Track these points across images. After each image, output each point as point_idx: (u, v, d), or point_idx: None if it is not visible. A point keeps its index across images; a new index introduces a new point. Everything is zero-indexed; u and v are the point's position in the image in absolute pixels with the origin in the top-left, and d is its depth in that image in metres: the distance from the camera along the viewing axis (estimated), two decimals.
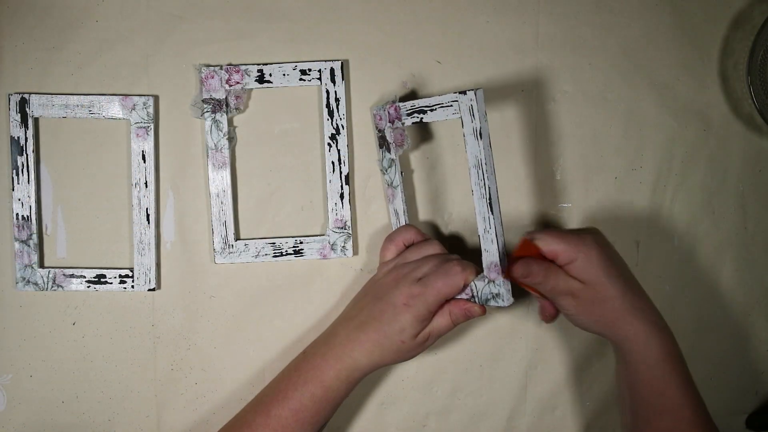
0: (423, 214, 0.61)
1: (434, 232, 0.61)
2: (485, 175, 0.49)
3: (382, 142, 0.58)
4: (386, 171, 0.58)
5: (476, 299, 0.51)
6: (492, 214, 0.50)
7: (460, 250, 0.61)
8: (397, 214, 0.58)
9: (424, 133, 0.60)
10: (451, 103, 0.51)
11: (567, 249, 0.49)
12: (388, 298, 0.51)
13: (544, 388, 0.62)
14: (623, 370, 0.52)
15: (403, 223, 0.58)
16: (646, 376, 0.50)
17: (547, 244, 0.49)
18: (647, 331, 0.49)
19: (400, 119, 0.56)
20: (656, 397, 0.49)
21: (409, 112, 0.55)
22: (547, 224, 0.61)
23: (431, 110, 0.53)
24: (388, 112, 0.56)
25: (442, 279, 0.50)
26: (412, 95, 0.59)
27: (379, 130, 0.58)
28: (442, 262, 0.52)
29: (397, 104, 0.56)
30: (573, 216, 0.61)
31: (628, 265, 0.52)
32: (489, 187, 0.49)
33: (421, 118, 0.54)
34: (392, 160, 0.57)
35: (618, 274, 0.50)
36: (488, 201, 0.50)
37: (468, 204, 0.61)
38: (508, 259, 0.51)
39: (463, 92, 0.50)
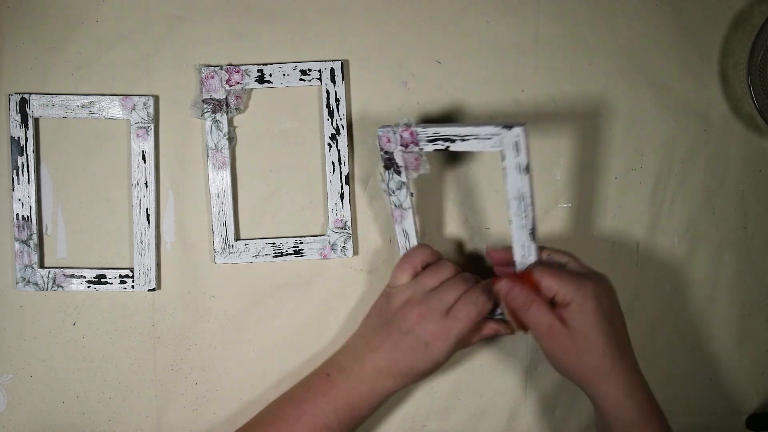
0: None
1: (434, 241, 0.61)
2: (528, 208, 0.49)
3: (390, 164, 0.54)
4: (393, 192, 0.55)
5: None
6: (534, 242, 0.50)
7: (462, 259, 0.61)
8: (406, 234, 0.56)
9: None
10: (491, 136, 0.49)
11: (564, 291, 0.48)
12: (416, 335, 0.51)
13: (544, 388, 0.62)
14: (599, 422, 0.52)
15: (414, 244, 0.56)
16: None
17: (544, 280, 0.49)
18: (622, 393, 0.49)
19: (417, 144, 0.52)
20: None
21: (431, 138, 0.52)
22: (550, 224, 0.61)
23: (462, 140, 0.50)
24: (401, 136, 0.52)
25: (471, 310, 0.50)
26: (425, 118, 0.59)
27: (386, 152, 0.54)
28: (464, 290, 0.52)
29: (413, 129, 0.52)
30: (573, 216, 0.61)
31: (624, 321, 0.52)
32: (532, 219, 0.49)
33: (448, 146, 0.51)
34: (402, 182, 0.54)
35: (607, 332, 0.48)
36: (530, 231, 0.50)
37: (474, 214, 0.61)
38: (503, 276, 0.51)
39: (508, 127, 0.48)
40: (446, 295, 0.51)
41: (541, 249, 0.52)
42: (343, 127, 0.58)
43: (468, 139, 0.50)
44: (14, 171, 0.57)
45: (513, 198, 0.49)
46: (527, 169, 0.48)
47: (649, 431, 0.49)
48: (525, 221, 0.50)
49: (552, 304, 0.49)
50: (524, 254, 0.51)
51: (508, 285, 0.49)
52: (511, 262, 0.52)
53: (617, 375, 0.49)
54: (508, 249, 0.52)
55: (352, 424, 0.52)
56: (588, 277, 0.50)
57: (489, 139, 0.49)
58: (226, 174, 0.58)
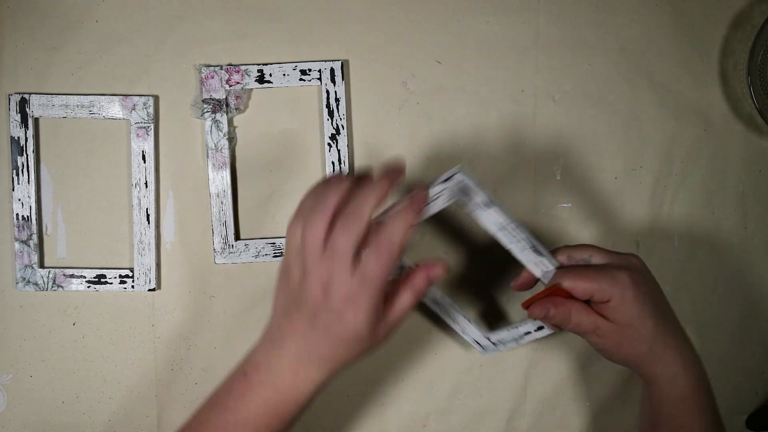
0: None
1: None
2: (517, 230, 0.48)
3: None
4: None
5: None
6: (543, 255, 0.49)
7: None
8: (437, 303, 0.52)
9: None
10: (438, 194, 0.46)
11: (600, 289, 0.46)
12: (327, 307, 0.42)
13: (544, 388, 0.62)
14: (647, 403, 0.51)
15: (456, 311, 0.52)
16: (671, 411, 0.49)
17: (577, 287, 0.47)
18: (675, 370, 0.48)
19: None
20: (678, 430, 0.49)
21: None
22: (550, 224, 0.61)
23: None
24: None
25: (383, 255, 0.41)
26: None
27: None
28: (365, 223, 0.41)
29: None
30: (573, 216, 0.61)
31: (663, 293, 0.50)
32: (528, 237, 0.48)
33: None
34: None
35: (653, 314, 0.47)
36: (533, 248, 0.48)
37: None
38: (531, 298, 0.49)
39: (447, 179, 0.45)
40: (344, 242, 0.41)
41: (558, 251, 0.50)
42: (343, 127, 0.58)
43: (428, 204, 0.47)
44: (14, 171, 0.57)
45: (497, 231, 0.48)
46: (490, 202, 0.46)
47: (699, 405, 0.48)
48: (523, 243, 0.48)
49: (588, 301, 0.48)
50: (542, 269, 0.49)
51: (542, 310, 0.47)
52: (536, 280, 0.51)
53: (671, 353, 0.48)
54: (526, 270, 0.51)
55: (283, 425, 0.45)
56: (618, 266, 0.48)
57: (440, 196, 0.46)
58: (226, 174, 0.58)
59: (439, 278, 0.45)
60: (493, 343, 0.55)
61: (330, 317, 0.42)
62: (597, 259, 0.50)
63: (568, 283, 0.47)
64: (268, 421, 0.44)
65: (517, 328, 0.54)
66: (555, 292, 0.48)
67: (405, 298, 0.44)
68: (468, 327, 0.54)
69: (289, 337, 0.44)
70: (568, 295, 0.47)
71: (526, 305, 0.49)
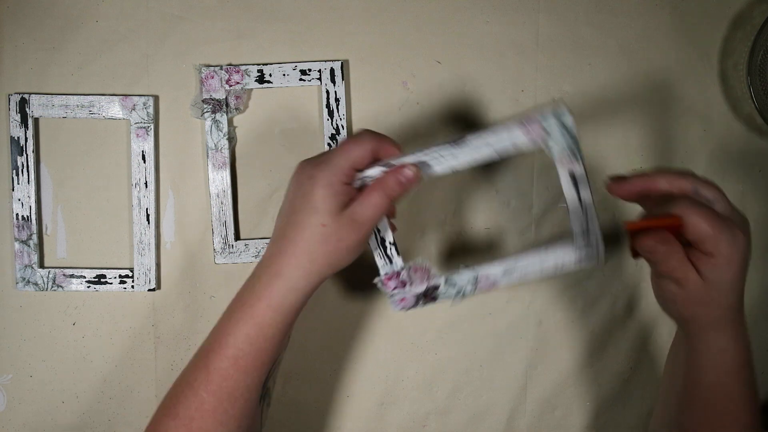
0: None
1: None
2: (429, 152, 0.46)
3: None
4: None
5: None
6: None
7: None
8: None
9: None
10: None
11: (715, 242, 0.42)
12: (294, 183, 0.47)
13: (544, 388, 0.62)
14: (691, 369, 0.48)
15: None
16: (717, 381, 0.46)
17: (699, 225, 0.42)
18: (730, 341, 0.46)
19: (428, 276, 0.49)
20: (721, 401, 0.47)
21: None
22: (550, 225, 0.61)
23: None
24: (412, 275, 0.50)
25: (350, 139, 0.46)
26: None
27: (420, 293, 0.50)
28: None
29: (424, 265, 0.49)
30: None
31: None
32: (435, 148, 0.47)
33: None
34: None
35: (742, 287, 0.45)
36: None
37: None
38: (641, 224, 0.44)
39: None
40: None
41: (681, 175, 0.46)
42: (343, 127, 0.58)
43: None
44: (14, 171, 0.57)
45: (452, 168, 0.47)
46: (417, 166, 0.46)
47: (743, 376, 0.46)
48: (444, 154, 0.46)
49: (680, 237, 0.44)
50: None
51: (655, 244, 0.43)
52: (643, 193, 0.46)
53: (734, 324, 0.46)
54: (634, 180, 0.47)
55: (262, 342, 0.45)
56: (738, 226, 0.44)
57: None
58: (226, 174, 0.58)
59: (410, 181, 0.46)
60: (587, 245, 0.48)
61: (296, 193, 0.46)
62: (720, 207, 0.45)
63: (692, 219, 0.42)
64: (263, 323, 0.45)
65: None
66: (667, 222, 0.43)
67: (375, 196, 0.46)
68: (559, 253, 0.48)
69: (274, 232, 0.47)
70: (677, 227, 0.43)
71: (633, 230, 0.44)
